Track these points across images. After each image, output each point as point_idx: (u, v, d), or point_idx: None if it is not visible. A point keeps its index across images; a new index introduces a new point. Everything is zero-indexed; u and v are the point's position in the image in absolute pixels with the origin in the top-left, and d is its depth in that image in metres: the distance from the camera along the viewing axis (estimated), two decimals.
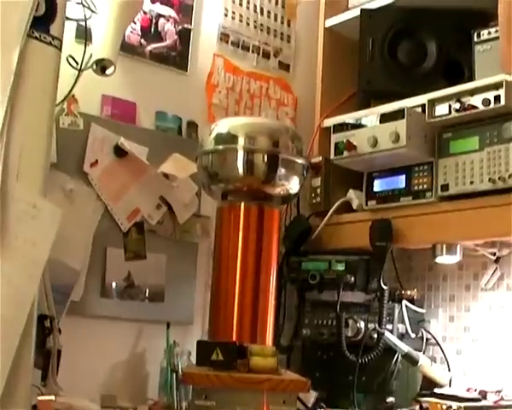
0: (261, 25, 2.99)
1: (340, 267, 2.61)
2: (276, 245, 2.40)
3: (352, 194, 2.70)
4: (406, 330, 2.58)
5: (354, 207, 2.68)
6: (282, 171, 2.37)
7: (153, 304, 2.60)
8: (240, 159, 2.34)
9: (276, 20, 3.04)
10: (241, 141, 2.34)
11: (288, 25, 3.07)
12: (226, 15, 2.89)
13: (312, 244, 2.72)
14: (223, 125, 2.41)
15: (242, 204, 2.36)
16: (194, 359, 2.25)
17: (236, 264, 2.32)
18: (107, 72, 2.39)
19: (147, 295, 2.59)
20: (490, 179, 2.27)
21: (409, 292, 2.65)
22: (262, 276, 2.34)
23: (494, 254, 2.63)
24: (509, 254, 2.61)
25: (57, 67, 1.73)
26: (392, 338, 2.50)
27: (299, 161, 2.40)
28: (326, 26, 2.94)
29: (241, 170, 2.34)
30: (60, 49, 1.72)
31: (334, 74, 2.92)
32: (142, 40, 2.65)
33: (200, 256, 2.71)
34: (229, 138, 2.36)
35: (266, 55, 2.99)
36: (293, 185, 2.42)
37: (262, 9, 3.00)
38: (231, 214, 2.38)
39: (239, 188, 2.38)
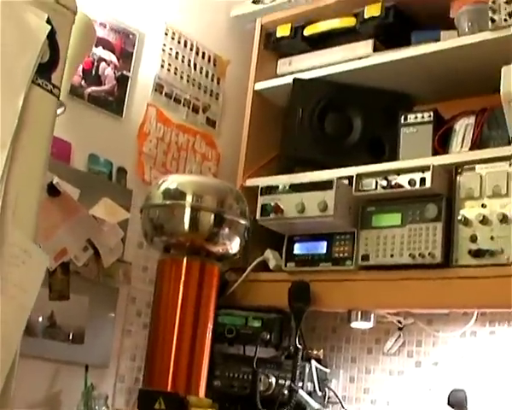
0: (194, 80, 3.09)
1: (257, 324, 2.71)
2: (214, 300, 2.49)
3: (269, 254, 2.81)
4: (314, 388, 2.71)
5: (271, 267, 2.79)
6: (225, 230, 2.47)
7: (73, 345, 2.60)
8: (186, 215, 2.43)
9: (207, 76, 3.14)
10: (189, 198, 2.43)
11: (218, 83, 3.19)
12: (163, 67, 2.97)
13: (228, 299, 2.79)
14: (172, 181, 2.50)
15: (185, 259, 2.44)
16: (110, 403, 2.28)
17: (175, 316, 2.39)
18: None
19: (68, 336, 2.58)
20: (410, 254, 2.45)
21: (315, 352, 2.79)
22: (199, 329, 2.41)
23: (400, 322, 2.82)
24: (412, 323, 2.81)
25: (54, 116, 1.76)
26: (305, 396, 2.61)
27: (242, 221, 2.51)
28: (255, 88, 3.04)
29: (186, 226, 2.43)
30: (58, 98, 1.75)
31: (258, 136, 3.03)
32: (83, 82, 2.68)
33: (120, 301, 2.73)
34: (178, 194, 2.44)
35: (196, 110, 3.08)
36: (234, 245, 2.53)
37: (196, 65, 3.10)
38: (173, 267, 2.46)
39: (182, 243, 2.46)
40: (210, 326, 2.46)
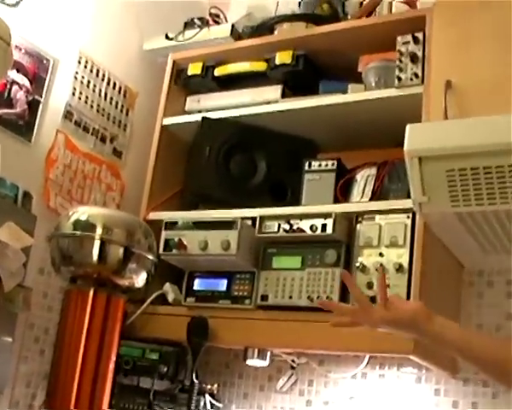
0: (103, 109, 3.10)
1: (154, 356, 2.74)
2: (118, 332, 2.50)
3: (168, 287, 2.84)
4: None
5: (170, 300, 2.82)
6: (133, 264, 2.50)
7: None
8: (96, 247, 2.45)
9: (116, 107, 3.16)
10: (99, 230, 2.46)
11: (127, 114, 3.21)
12: (74, 94, 2.97)
13: (126, 330, 2.78)
14: (82, 212, 2.52)
15: (92, 290, 2.45)
16: None
17: (80, 346, 2.40)
18: None
19: None
20: (308, 297, 2.53)
21: (209, 386, 2.83)
22: (103, 361, 2.43)
23: (293, 361, 2.90)
24: (305, 362, 2.89)
25: None
26: None
27: (150, 256, 2.54)
28: (163, 123, 3.08)
29: (95, 258, 2.46)
30: None
31: (164, 170, 3.06)
32: None
33: (18, 327, 2.69)
34: (88, 226, 2.47)
35: (103, 140, 3.09)
36: (141, 279, 2.56)
37: (106, 95, 3.11)
38: (79, 298, 2.47)
39: (90, 274, 2.48)
40: (113, 358, 2.48)
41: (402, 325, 1.97)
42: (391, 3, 2.86)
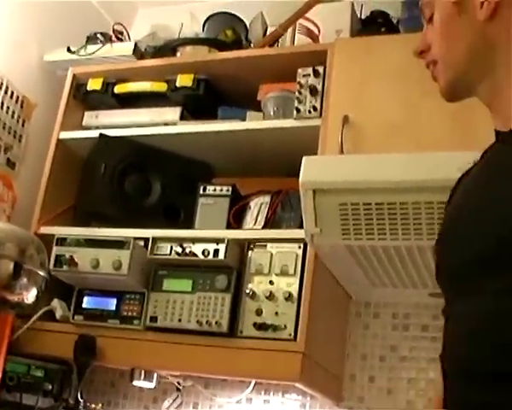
0: None
1: (40, 373, 2.70)
2: (4, 348, 2.44)
3: (56, 303, 2.79)
4: None
5: (57, 317, 2.77)
6: (24, 280, 2.44)
7: None
8: None
9: (13, 117, 3.09)
10: None
11: (23, 124, 3.14)
12: None
13: (12, 345, 2.71)
14: None
15: None
16: None
17: None
18: None
19: None
20: (198, 321, 2.53)
21: (93, 405, 2.80)
22: None
23: (179, 383, 2.90)
24: (191, 385, 2.89)
25: None
26: None
27: (41, 273, 2.49)
28: (59, 137, 3.03)
29: None
30: None
31: (58, 184, 3.01)
32: None
33: None
34: None
35: None
36: (31, 296, 2.51)
37: (2, 104, 3.04)
38: None
39: None
40: None
41: None
42: (294, 35, 2.92)
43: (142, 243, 2.72)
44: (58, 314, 2.78)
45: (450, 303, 1.32)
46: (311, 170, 2.23)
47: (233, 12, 3.17)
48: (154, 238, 2.65)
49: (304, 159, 2.23)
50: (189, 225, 2.78)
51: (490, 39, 1.34)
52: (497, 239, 1.18)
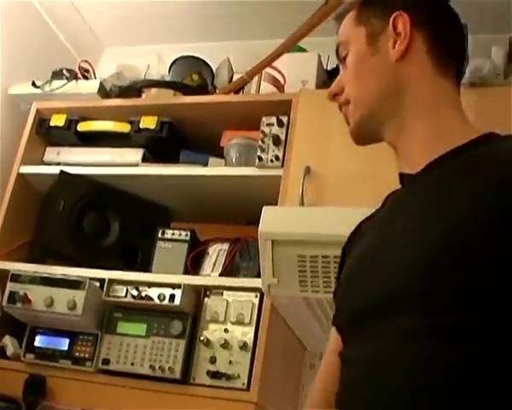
0: None
1: None
2: None
3: (7, 340, 2.74)
4: None
5: (8, 354, 2.72)
6: None
7: None
8: None
9: None
10: None
11: None
12: None
13: None
14: None
15: None
16: None
17: None
18: None
19: None
20: (150, 366, 2.51)
21: None
22: None
23: None
24: None
25: None
26: None
27: None
28: (20, 171, 3.01)
29: None
30: None
31: (16, 218, 2.97)
32: None
33: None
34: None
35: None
36: None
37: None
38: None
39: None
40: None
41: None
42: (259, 83, 2.93)
43: (97, 283, 2.69)
44: (9, 352, 2.73)
45: (349, 346, 1.31)
46: (271, 220, 2.24)
47: (200, 56, 3.18)
48: (109, 280, 2.64)
49: (264, 209, 2.23)
50: (147, 267, 2.76)
51: (400, 80, 1.37)
52: (401, 281, 1.18)
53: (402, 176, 1.39)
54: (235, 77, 3.03)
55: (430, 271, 1.14)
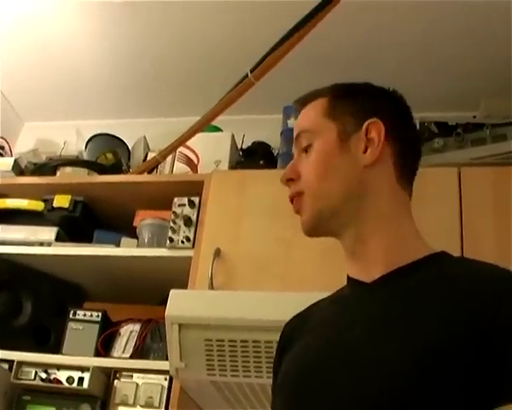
0: None
1: None
2: None
3: None
4: None
5: None
6: None
7: None
8: None
9: None
10: None
11: None
12: None
13: None
14: None
15: None
16: None
17: None
18: None
19: None
20: None
21: None
22: None
23: None
24: None
25: None
26: None
27: None
28: None
29: None
30: None
31: None
32: None
33: None
34: None
35: None
36: None
37: None
38: None
39: None
40: None
41: None
42: (173, 163, 2.95)
43: (6, 365, 2.64)
44: None
45: None
46: (178, 304, 2.23)
47: (117, 133, 3.19)
48: (18, 362, 2.59)
49: (171, 292, 2.22)
50: (59, 349, 2.71)
51: (365, 185, 1.37)
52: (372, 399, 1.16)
53: (353, 280, 1.38)
54: (151, 155, 3.04)
55: (402, 398, 1.13)
